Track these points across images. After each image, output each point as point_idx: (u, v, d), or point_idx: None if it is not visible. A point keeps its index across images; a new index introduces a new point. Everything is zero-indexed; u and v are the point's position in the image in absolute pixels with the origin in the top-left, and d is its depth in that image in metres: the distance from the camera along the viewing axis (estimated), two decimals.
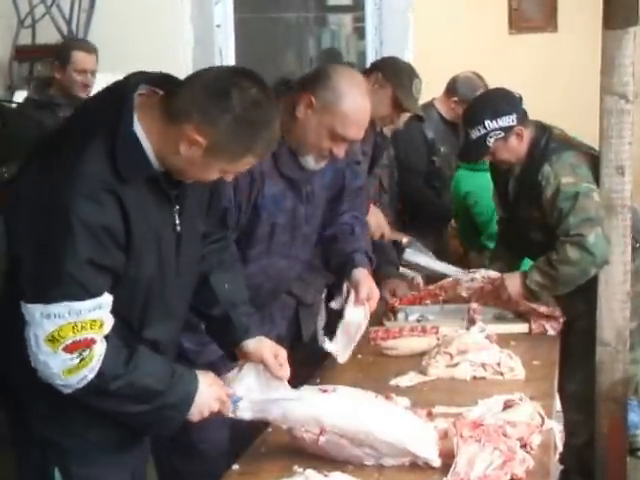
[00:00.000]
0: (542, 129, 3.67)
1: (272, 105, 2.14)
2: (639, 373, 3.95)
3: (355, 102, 2.80)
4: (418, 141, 4.88)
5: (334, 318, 3.79)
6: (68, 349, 2.07)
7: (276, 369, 2.38)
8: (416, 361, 3.05)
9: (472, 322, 3.32)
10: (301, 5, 7.48)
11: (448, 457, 2.20)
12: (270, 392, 2.35)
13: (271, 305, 3.13)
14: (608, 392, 3.69)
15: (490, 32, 6.06)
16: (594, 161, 3.60)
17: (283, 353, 2.43)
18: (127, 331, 2.22)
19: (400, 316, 3.59)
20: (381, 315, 3.55)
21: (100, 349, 2.11)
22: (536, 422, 2.39)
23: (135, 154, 2.09)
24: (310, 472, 2.15)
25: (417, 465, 2.25)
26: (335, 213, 3.21)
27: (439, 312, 3.64)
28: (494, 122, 3.54)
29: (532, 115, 3.73)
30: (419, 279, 3.95)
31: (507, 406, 2.45)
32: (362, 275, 3.04)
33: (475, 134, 3.57)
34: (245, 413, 2.32)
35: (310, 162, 2.89)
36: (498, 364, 2.96)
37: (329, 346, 2.98)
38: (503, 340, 3.17)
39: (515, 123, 3.57)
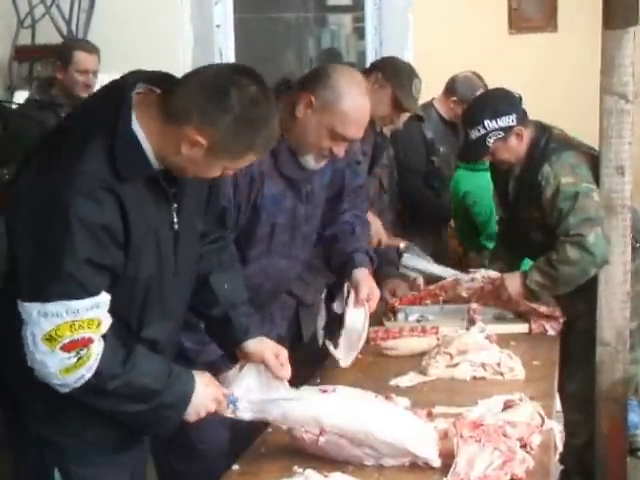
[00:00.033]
0: (542, 129, 3.67)
1: (271, 101, 2.15)
2: (639, 373, 3.95)
3: (355, 101, 2.80)
4: (417, 141, 4.88)
5: (334, 319, 3.80)
6: (65, 348, 2.06)
7: (277, 369, 2.37)
8: (416, 361, 3.05)
9: (472, 322, 3.32)
10: (301, 5, 7.48)
11: (448, 457, 2.20)
12: (270, 392, 2.35)
13: (271, 305, 3.13)
14: (608, 392, 3.69)
15: (490, 32, 6.05)
16: (594, 161, 3.60)
17: (284, 353, 2.43)
18: (125, 331, 2.22)
19: (400, 316, 3.59)
20: (381, 315, 3.55)
21: (98, 348, 2.11)
22: (536, 422, 2.39)
23: (134, 153, 2.09)
24: (310, 472, 2.15)
25: (417, 465, 2.25)
26: (336, 212, 3.22)
27: (439, 312, 3.64)
28: (494, 122, 3.54)
29: (532, 115, 3.73)
30: (420, 279, 3.95)
31: (507, 406, 2.45)
32: (362, 275, 3.04)
33: (475, 134, 3.57)
34: (245, 413, 2.32)
35: (310, 162, 2.89)
36: (498, 364, 2.96)
37: (333, 351, 2.98)
38: (503, 340, 3.17)
39: (515, 123, 3.57)
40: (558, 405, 3.15)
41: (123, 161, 2.07)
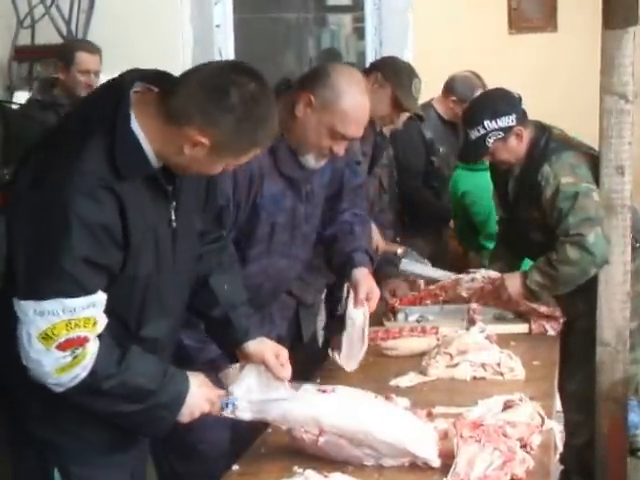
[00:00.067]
0: (542, 129, 3.67)
1: (270, 97, 2.16)
2: (639, 373, 3.95)
3: (354, 100, 2.80)
4: (416, 141, 4.88)
5: (334, 319, 3.80)
6: (61, 347, 2.06)
7: (278, 370, 2.37)
8: (416, 361, 3.04)
9: (472, 322, 3.32)
10: (301, 5, 7.48)
11: (448, 457, 2.20)
12: (270, 393, 2.35)
13: (271, 305, 3.13)
14: (608, 392, 3.69)
15: (490, 32, 6.06)
16: (594, 161, 3.60)
17: (284, 353, 2.42)
18: (124, 330, 2.22)
19: (400, 316, 3.59)
20: (381, 315, 3.54)
21: (93, 347, 2.10)
22: (536, 422, 2.39)
23: (134, 152, 2.10)
24: (310, 473, 2.15)
25: (417, 465, 2.24)
26: (335, 212, 3.21)
27: (439, 312, 3.63)
28: (493, 122, 3.54)
29: (532, 115, 3.73)
30: (420, 280, 3.95)
31: (507, 406, 2.45)
32: (361, 275, 3.04)
33: (474, 134, 3.57)
34: (244, 413, 2.32)
35: (310, 161, 2.89)
36: (498, 364, 2.96)
37: (338, 360, 2.98)
38: (503, 340, 3.17)
39: (514, 123, 3.57)
40: (558, 405, 3.16)
41: (123, 160, 2.07)
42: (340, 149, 2.85)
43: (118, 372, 2.13)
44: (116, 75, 2.21)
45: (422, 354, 3.09)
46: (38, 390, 2.13)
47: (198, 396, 2.27)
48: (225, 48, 5.91)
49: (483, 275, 3.69)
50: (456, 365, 2.97)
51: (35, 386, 2.12)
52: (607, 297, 3.61)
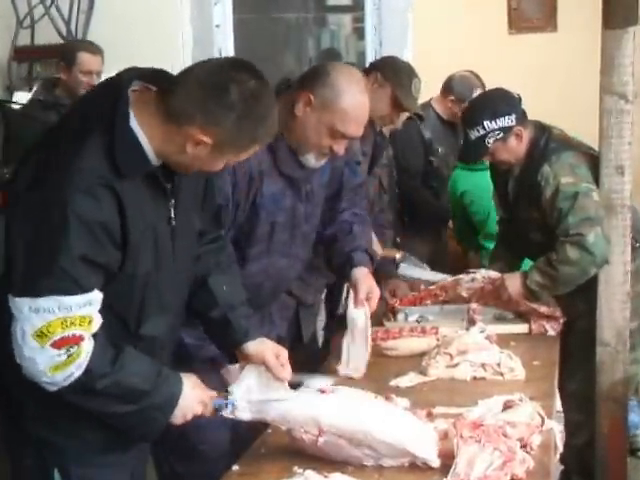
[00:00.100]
0: (541, 129, 3.67)
1: (270, 93, 2.18)
2: (639, 373, 3.95)
3: (354, 99, 2.80)
4: (415, 141, 4.88)
5: (334, 319, 3.79)
6: (56, 345, 2.06)
7: (278, 370, 2.37)
8: (416, 361, 3.04)
9: (472, 322, 3.32)
10: (300, 5, 7.48)
11: (448, 458, 2.20)
12: (270, 393, 2.34)
13: (271, 305, 3.13)
14: (608, 392, 3.69)
15: (490, 32, 6.05)
16: (593, 161, 3.60)
17: (284, 354, 2.42)
18: (123, 328, 2.23)
19: (400, 317, 3.59)
20: (381, 316, 3.54)
21: (88, 346, 2.10)
22: (536, 422, 2.39)
23: (133, 150, 2.10)
24: (310, 473, 2.15)
25: (417, 466, 2.24)
26: (335, 212, 3.21)
27: (439, 313, 3.63)
28: (493, 123, 3.54)
29: (532, 115, 3.73)
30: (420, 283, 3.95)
31: (507, 406, 2.45)
32: (361, 274, 3.04)
33: (474, 135, 3.57)
34: (244, 414, 2.32)
35: (311, 160, 2.89)
36: (498, 364, 2.96)
37: (344, 370, 2.97)
38: (503, 340, 3.16)
39: (514, 123, 3.57)
40: (558, 405, 3.15)
41: (122, 157, 2.08)
42: (340, 148, 2.85)
43: (112, 371, 2.13)
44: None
45: (422, 354, 3.09)
46: (34, 389, 2.13)
47: (191, 398, 2.26)
48: (225, 48, 5.91)
49: (483, 275, 3.69)
50: (456, 365, 2.97)
51: (31, 385, 2.12)
52: (607, 297, 3.61)
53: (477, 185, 4.68)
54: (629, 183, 3.56)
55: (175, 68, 2.21)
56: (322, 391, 2.35)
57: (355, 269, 3.05)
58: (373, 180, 4.14)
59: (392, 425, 2.26)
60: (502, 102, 3.64)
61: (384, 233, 4.25)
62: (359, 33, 6.84)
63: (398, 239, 4.51)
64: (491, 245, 4.46)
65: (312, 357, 3.27)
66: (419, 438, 2.25)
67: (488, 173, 4.06)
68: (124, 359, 2.15)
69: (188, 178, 2.28)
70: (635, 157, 3.59)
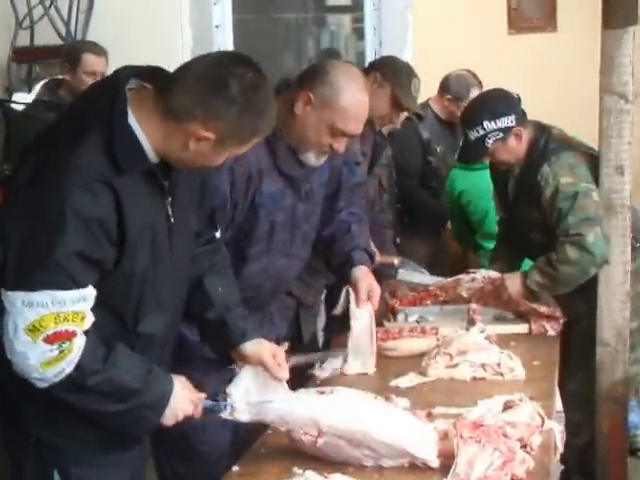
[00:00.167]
0: (541, 129, 3.67)
1: (268, 85, 2.19)
2: None
3: (354, 97, 2.80)
4: (414, 141, 4.88)
5: (334, 320, 3.79)
6: (49, 340, 2.05)
7: (275, 370, 2.37)
8: (416, 362, 3.04)
9: (472, 323, 3.32)
10: (300, 5, 7.48)
11: (448, 458, 2.19)
12: (268, 394, 2.34)
13: (271, 306, 3.13)
14: (608, 392, 3.69)
15: (489, 32, 6.04)
16: (593, 161, 3.60)
17: (281, 354, 2.42)
18: (121, 326, 2.23)
19: (400, 317, 3.59)
20: (381, 316, 3.54)
21: (80, 342, 2.09)
22: (536, 422, 2.39)
23: (132, 147, 2.11)
24: (310, 473, 2.15)
25: (417, 466, 2.24)
26: (333, 211, 3.21)
27: (439, 313, 3.63)
28: (492, 123, 3.54)
29: (531, 115, 3.73)
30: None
31: (507, 407, 2.44)
32: (361, 273, 3.03)
33: (474, 135, 3.57)
34: (242, 415, 2.31)
35: (311, 158, 2.89)
36: (498, 365, 2.95)
37: (352, 370, 2.97)
38: (503, 340, 3.16)
39: (514, 124, 3.57)
40: (559, 405, 3.15)
41: (121, 153, 2.08)
42: (340, 146, 2.85)
43: (104, 369, 2.12)
44: None
45: (422, 355, 3.08)
46: (33, 390, 2.12)
47: (181, 398, 2.26)
48: (224, 48, 5.90)
49: (483, 275, 3.69)
50: (456, 365, 2.96)
51: (29, 386, 2.11)
52: (607, 297, 3.61)
53: (475, 184, 4.67)
54: (629, 183, 3.56)
55: (174, 68, 2.21)
56: (321, 392, 2.34)
57: (355, 268, 3.05)
58: (373, 180, 4.14)
59: (391, 426, 2.26)
60: (502, 102, 3.63)
61: (384, 233, 4.26)
62: (359, 33, 6.84)
63: (398, 239, 4.51)
64: (489, 244, 4.46)
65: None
66: (418, 439, 2.25)
67: (486, 172, 4.07)
68: (116, 356, 2.14)
69: (185, 176, 2.28)
70: (635, 157, 3.59)
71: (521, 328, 3.47)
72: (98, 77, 4.84)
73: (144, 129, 2.11)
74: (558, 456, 2.53)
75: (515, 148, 3.61)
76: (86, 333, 2.11)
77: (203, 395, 2.32)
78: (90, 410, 2.18)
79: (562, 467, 3.90)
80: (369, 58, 5.82)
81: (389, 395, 2.58)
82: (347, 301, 3.06)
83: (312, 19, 7.61)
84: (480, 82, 4.89)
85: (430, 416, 2.44)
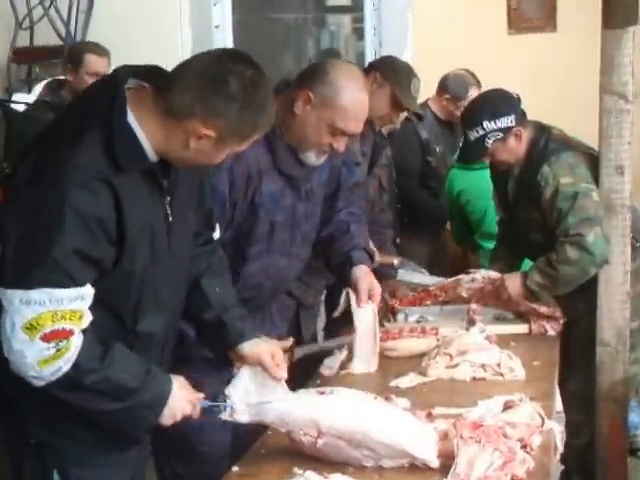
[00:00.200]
0: (541, 129, 3.67)
1: (266, 80, 2.19)
2: None
3: (353, 96, 2.80)
4: (413, 141, 4.88)
5: (334, 320, 3.79)
6: (46, 338, 2.05)
7: (274, 370, 2.37)
8: (416, 362, 3.04)
9: (472, 323, 3.32)
10: (300, 6, 7.47)
11: (448, 458, 2.19)
12: (267, 394, 2.34)
13: (271, 306, 3.13)
14: (608, 392, 3.68)
15: (489, 32, 6.04)
16: (593, 161, 3.60)
17: (279, 353, 2.43)
18: (120, 325, 2.23)
19: (400, 317, 3.59)
20: (381, 316, 3.53)
21: (77, 341, 2.09)
22: (536, 423, 2.39)
23: (132, 146, 2.11)
24: (310, 474, 2.15)
25: (417, 466, 2.24)
26: (332, 211, 3.21)
27: (439, 313, 3.63)
28: (492, 123, 3.54)
29: (531, 115, 3.73)
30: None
31: (507, 407, 2.44)
32: (361, 272, 3.04)
33: (473, 135, 3.57)
34: (242, 416, 2.31)
35: (311, 158, 2.89)
36: (498, 365, 2.95)
37: (357, 369, 2.98)
38: (503, 341, 3.16)
39: (513, 124, 3.57)
40: (559, 405, 3.15)
41: (121, 152, 2.08)
42: (340, 145, 2.86)
43: (101, 367, 2.12)
44: None
45: (422, 355, 3.09)
46: (30, 389, 2.12)
47: (180, 398, 2.26)
48: None
49: (483, 275, 3.69)
50: (456, 366, 2.96)
51: (27, 385, 2.11)
52: (607, 297, 3.61)
53: (474, 184, 4.67)
54: (629, 183, 3.56)
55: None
56: (321, 392, 2.34)
57: (355, 267, 3.06)
58: (373, 180, 4.14)
59: (391, 426, 2.26)
60: (501, 102, 3.63)
61: (384, 233, 4.25)
62: (358, 33, 6.84)
63: (398, 239, 4.51)
64: (488, 244, 4.46)
65: (312, 357, 3.26)
66: (418, 439, 2.25)
67: (485, 172, 4.07)
68: (113, 355, 2.14)
69: (184, 176, 2.29)
70: (635, 157, 3.59)
71: (521, 328, 3.47)
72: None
73: (143, 128, 2.11)
74: (558, 456, 2.53)
75: (515, 148, 3.61)
76: (84, 332, 2.11)
77: (202, 395, 2.32)
78: (87, 409, 2.18)
79: (562, 467, 3.90)
80: (369, 58, 5.82)
81: (389, 395, 2.59)
82: (347, 303, 3.06)
83: (312, 19, 7.60)
84: (478, 81, 4.89)
85: (430, 416, 2.44)
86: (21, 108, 4.90)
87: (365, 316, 2.98)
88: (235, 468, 2.35)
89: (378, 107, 3.73)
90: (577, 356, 3.67)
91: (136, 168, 2.12)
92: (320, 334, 3.93)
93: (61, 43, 5.65)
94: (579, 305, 3.66)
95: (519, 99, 3.76)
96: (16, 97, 5.43)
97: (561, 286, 3.50)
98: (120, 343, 2.18)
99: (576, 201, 3.47)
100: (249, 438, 2.51)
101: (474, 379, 2.93)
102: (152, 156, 2.15)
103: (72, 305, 2.06)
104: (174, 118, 2.10)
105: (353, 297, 3.01)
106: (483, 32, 5.98)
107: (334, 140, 2.83)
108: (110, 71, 4.83)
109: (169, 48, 5.60)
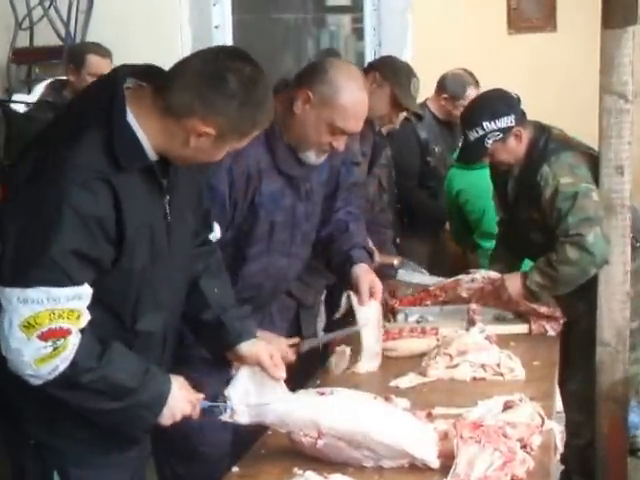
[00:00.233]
0: (541, 129, 3.67)
1: (265, 77, 2.19)
2: None
3: (353, 95, 2.80)
4: (412, 141, 4.88)
5: (334, 321, 3.79)
6: (43, 336, 2.05)
7: (273, 370, 2.37)
8: (416, 362, 3.04)
9: (472, 323, 3.32)
10: (300, 6, 7.47)
11: (448, 458, 2.20)
12: (266, 394, 2.34)
13: (271, 306, 3.13)
14: (608, 392, 3.68)
15: (489, 32, 6.04)
16: (593, 161, 3.60)
17: (278, 353, 2.42)
18: (119, 324, 2.22)
19: (400, 317, 3.58)
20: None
21: (74, 340, 2.09)
22: (536, 423, 2.39)
23: (131, 145, 2.11)
24: (310, 474, 2.15)
25: (417, 467, 2.24)
26: (331, 211, 3.21)
27: (439, 313, 3.63)
28: (492, 123, 3.54)
29: (531, 115, 3.73)
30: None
31: (507, 407, 2.45)
32: (362, 271, 3.04)
33: (473, 135, 3.57)
34: (242, 417, 2.31)
35: (311, 157, 2.89)
36: (498, 365, 2.95)
37: (364, 369, 2.99)
38: (503, 341, 3.16)
39: (513, 124, 3.57)
40: (559, 406, 3.15)
41: (121, 151, 2.08)
42: (340, 144, 2.86)
43: (99, 366, 2.12)
44: None
45: (422, 355, 3.09)
46: (28, 389, 2.12)
47: (179, 398, 2.26)
48: None
49: (483, 275, 3.68)
50: (456, 366, 2.96)
51: (24, 384, 2.11)
52: (607, 297, 3.61)
53: (472, 184, 4.67)
54: (629, 183, 3.56)
55: None
56: (321, 393, 2.34)
57: (355, 266, 3.06)
58: (373, 180, 4.14)
59: (391, 426, 2.26)
60: (501, 103, 3.63)
61: (384, 233, 4.25)
62: (358, 34, 6.84)
63: (398, 240, 4.51)
64: (487, 244, 4.46)
65: (312, 357, 3.26)
66: (418, 439, 2.25)
67: (483, 171, 4.07)
68: (111, 355, 2.14)
69: (183, 175, 2.29)
70: (635, 157, 3.59)
71: (521, 328, 3.47)
72: None
73: (143, 127, 2.12)
74: (558, 456, 2.53)
75: (515, 148, 3.61)
76: (82, 331, 2.11)
77: (201, 395, 2.32)
78: (84, 408, 2.18)
79: (562, 467, 3.90)
80: (369, 58, 5.82)
81: (389, 395, 2.59)
82: (348, 305, 3.06)
83: (312, 19, 7.60)
84: (477, 81, 4.89)
85: (430, 416, 2.44)
86: (21, 108, 4.92)
87: (369, 313, 2.98)
88: (235, 468, 2.35)
89: (378, 107, 3.73)
90: (577, 356, 3.67)
91: (136, 167, 2.12)
92: (320, 334, 3.93)
93: (61, 43, 5.66)
94: (579, 305, 3.66)
95: (519, 99, 3.76)
96: (16, 97, 5.44)
97: (561, 286, 3.50)
98: (119, 342, 2.18)
99: (576, 201, 3.46)
100: (249, 438, 2.51)
101: (474, 379, 2.93)
102: (152, 155, 2.15)
103: (69, 304, 2.06)
104: (173, 116, 2.11)
105: (354, 298, 3.01)
106: (483, 32, 5.98)
107: (334, 139, 2.83)
108: None
109: (169, 48, 5.60)
